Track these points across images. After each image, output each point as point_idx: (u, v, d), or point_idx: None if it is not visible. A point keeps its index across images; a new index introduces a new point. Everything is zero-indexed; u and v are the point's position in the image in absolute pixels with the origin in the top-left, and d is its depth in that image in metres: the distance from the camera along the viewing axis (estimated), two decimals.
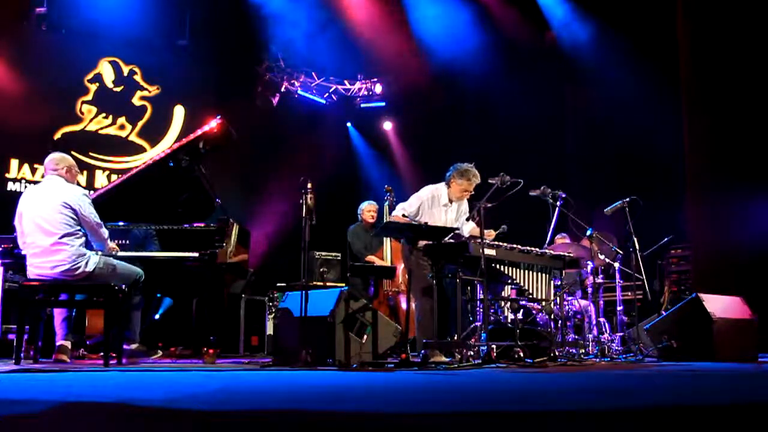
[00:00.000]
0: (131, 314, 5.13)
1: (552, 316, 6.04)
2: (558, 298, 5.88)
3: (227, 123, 5.73)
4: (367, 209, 7.25)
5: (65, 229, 4.69)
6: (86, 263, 4.72)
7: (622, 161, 9.03)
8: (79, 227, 4.77)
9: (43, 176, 5.07)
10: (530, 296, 5.60)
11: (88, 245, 4.89)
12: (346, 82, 11.01)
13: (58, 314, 5.00)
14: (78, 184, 5.13)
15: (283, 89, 10.54)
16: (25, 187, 8.36)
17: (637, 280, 6.22)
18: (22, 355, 4.70)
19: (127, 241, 5.32)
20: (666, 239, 7.54)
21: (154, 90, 9.58)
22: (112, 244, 5.04)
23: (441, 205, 5.59)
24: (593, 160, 9.56)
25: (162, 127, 9.60)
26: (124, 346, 4.97)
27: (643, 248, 6.49)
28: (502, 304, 6.24)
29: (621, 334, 6.83)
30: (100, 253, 4.92)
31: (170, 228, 5.45)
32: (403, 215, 5.51)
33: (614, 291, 6.87)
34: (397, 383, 3.44)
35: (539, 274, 5.56)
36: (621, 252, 6.76)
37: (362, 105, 11.18)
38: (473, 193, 5.66)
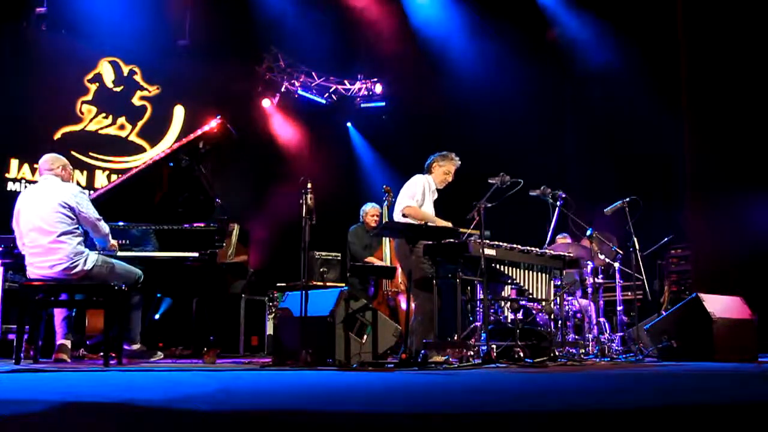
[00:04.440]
0: (131, 314, 5.13)
1: (552, 316, 6.04)
2: (558, 298, 5.88)
3: (227, 123, 5.73)
4: (371, 213, 7.19)
5: (62, 227, 4.69)
6: (84, 261, 4.72)
7: (622, 161, 9.02)
8: (76, 226, 4.77)
9: (38, 175, 5.07)
10: (530, 296, 5.60)
11: (87, 244, 4.89)
12: (346, 82, 11.01)
13: (58, 314, 5.00)
14: (77, 183, 5.13)
15: (283, 89, 10.54)
16: (25, 187, 8.36)
17: (637, 280, 6.22)
18: (22, 355, 4.70)
19: (127, 241, 5.32)
20: (666, 239, 7.54)
21: (154, 90, 9.58)
22: (112, 241, 5.04)
23: (431, 191, 5.59)
24: (593, 160, 9.56)
25: (162, 127, 9.60)
26: (125, 347, 4.97)
27: (643, 248, 6.49)
28: (502, 304, 6.24)
29: (621, 334, 6.83)
30: (99, 252, 4.93)
31: (170, 228, 5.44)
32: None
33: (614, 291, 6.87)
34: (397, 383, 3.44)
35: (539, 274, 5.56)
36: (621, 252, 6.76)
37: (362, 105, 11.18)
38: (453, 179, 5.63)
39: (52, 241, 4.67)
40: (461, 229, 5.25)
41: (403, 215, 5.42)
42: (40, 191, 4.83)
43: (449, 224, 5.33)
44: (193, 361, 5.58)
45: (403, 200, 5.46)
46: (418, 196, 5.43)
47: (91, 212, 4.84)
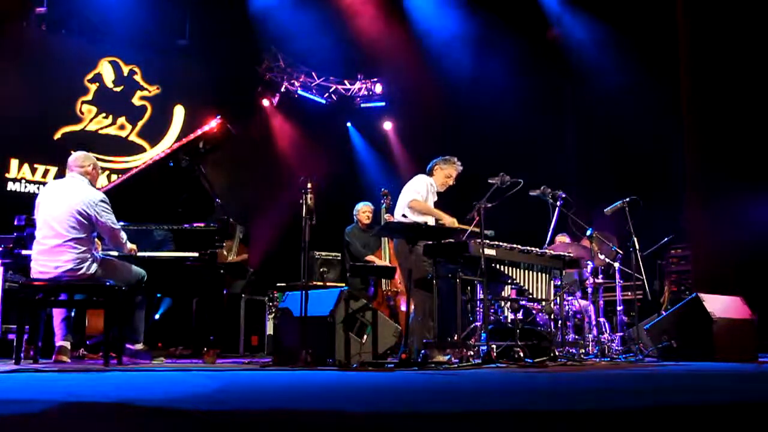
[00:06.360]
0: (134, 314, 5.11)
1: (552, 316, 6.04)
2: (558, 298, 5.88)
3: (227, 123, 5.73)
4: (363, 210, 7.23)
5: (74, 233, 4.68)
6: (88, 266, 4.71)
7: (622, 161, 9.03)
8: (88, 233, 4.75)
9: (52, 175, 5.06)
10: (530, 296, 5.60)
11: (100, 248, 4.91)
12: (346, 82, 11.01)
13: (58, 315, 4.99)
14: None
15: (283, 89, 10.54)
16: (25, 187, 8.38)
17: (637, 280, 6.22)
18: (22, 355, 4.69)
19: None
20: (666, 239, 7.54)
21: (154, 90, 9.58)
22: (130, 245, 5.04)
23: (432, 192, 5.63)
24: (593, 160, 9.56)
25: (162, 127, 9.61)
26: (128, 346, 4.96)
27: (643, 248, 6.49)
28: (502, 304, 6.24)
29: (621, 334, 6.83)
30: (113, 253, 4.94)
31: (170, 228, 5.45)
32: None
33: (614, 291, 6.87)
34: (397, 383, 3.44)
35: (539, 274, 5.56)
36: (621, 252, 6.76)
37: (362, 105, 11.18)
38: (454, 183, 5.67)
39: (61, 244, 4.66)
40: (462, 226, 5.27)
41: (409, 208, 5.46)
42: (62, 190, 4.81)
43: (455, 220, 5.38)
44: (193, 361, 5.58)
45: (407, 195, 5.49)
46: (422, 192, 5.47)
47: (110, 222, 4.82)
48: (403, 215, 5.53)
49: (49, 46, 8.79)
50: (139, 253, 5.28)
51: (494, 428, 1.91)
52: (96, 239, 4.95)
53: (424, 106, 10.57)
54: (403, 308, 6.26)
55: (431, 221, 5.61)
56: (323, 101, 11.02)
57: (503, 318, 6.24)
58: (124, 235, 4.95)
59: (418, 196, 5.44)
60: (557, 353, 5.44)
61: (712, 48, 8.08)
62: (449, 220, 5.42)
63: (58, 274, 4.67)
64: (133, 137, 9.42)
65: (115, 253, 5.08)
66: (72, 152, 5.18)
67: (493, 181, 5.38)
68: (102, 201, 4.81)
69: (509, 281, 5.58)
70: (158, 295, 6.41)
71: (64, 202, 4.73)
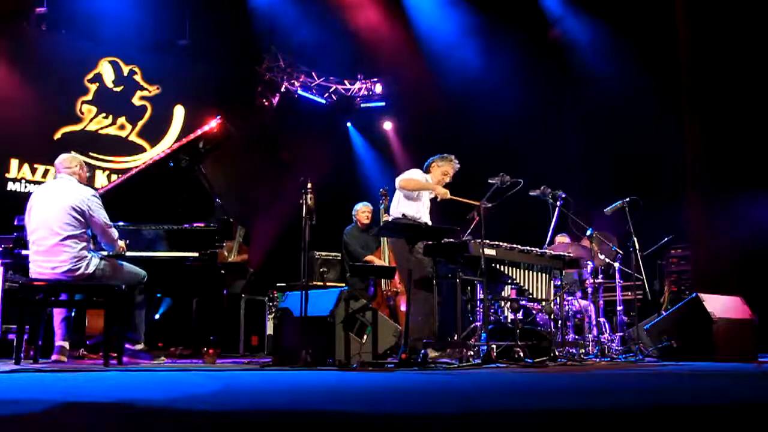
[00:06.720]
0: (134, 314, 5.10)
1: (552, 316, 6.04)
2: (558, 298, 5.88)
3: (227, 123, 5.73)
4: (362, 210, 7.23)
5: (70, 230, 4.69)
6: (86, 265, 4.71)
7: (622, 161, 9.02)
8: (83, 230, 4.76)
9: (52, 176, 5.06)
10: (530, 296, 5.60)
11: (94, 246, 4.90)
12: (346, 82, 11.01)
13: (57, 315, 4.99)
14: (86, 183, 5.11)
15: (283, 89, 10.54)
16: (25, 187, 8.38)
17: (637, 280, 6.23)
18: (22, 355, 4.69)
19: (127, 241, 5.30)
20: (666, 239, 7.54)
21: (154, 90, 9.58)
22: (120, 243, 5.04)
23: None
24: (593, 160, 9.55)
25: (162, 127, 9.61)
26: (128, 347, 4.96)
27: (643, 248, 6.48)
28: (502, 304, 6.24)
29: (621, 334, 6.83)
30: (104, 253, 4.93)
31: (170, 228, 5.45)
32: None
33: (614, 291, 6.87)
34: (397, 383, 3.44)
35: (539, 274, 5.56)
36: (621, 252, 6.76)
37: (362, 105, 11.18)
38: (451, 181, 5.69)
39: (57, 244, 4.67)
40: (457, 198, 5.42)
41: (401, 189, 5.54)
42: (54, 191, 4.82)
43: (447, 191, 5.50)
44: (193, 361, 5.58)
45: (398, 178, 5.59)
46: (416, 177, 5.58)
47: (102, 217, 4.83)
48: (403, 214, 5.53)
49: (49, 46, 8.79)
50: (139, 253, 5.28)
51: (494, 428, 1.91)
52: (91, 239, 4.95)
53: (424, 106, 10.56)
54: (403, 308, 6.25)
55: (426, 216, 5.62)
56: (323, 101, 11.01)
57: (503, 318, 6.23)
58: (115, 233, 4.96)
59: (407, 175, 5.54)
60: (557, 353, 5.44)
61: (712, 48, 8.08)
62: (442, 191, 5.48)
63: (57, 275, 4.67)
64: (133, 137, 9.42)
65: (105, 253, 5.07)
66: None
67: (493, 181, 5.39)
68: (94, 196, 4.84)
69: (509, 281, 5.58)
70: (158, 295, 6.41)
71: (58, 202, 4.73)
